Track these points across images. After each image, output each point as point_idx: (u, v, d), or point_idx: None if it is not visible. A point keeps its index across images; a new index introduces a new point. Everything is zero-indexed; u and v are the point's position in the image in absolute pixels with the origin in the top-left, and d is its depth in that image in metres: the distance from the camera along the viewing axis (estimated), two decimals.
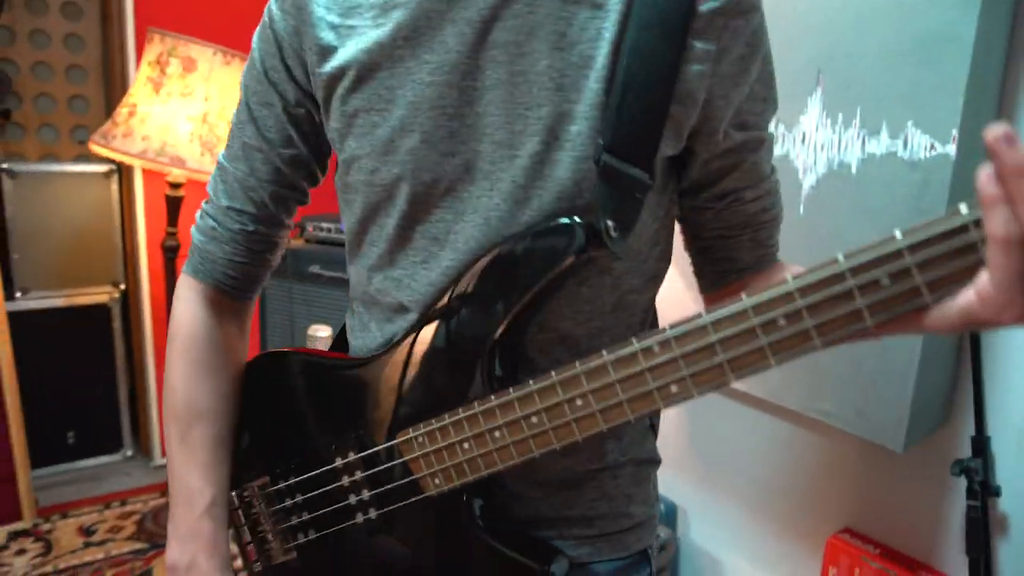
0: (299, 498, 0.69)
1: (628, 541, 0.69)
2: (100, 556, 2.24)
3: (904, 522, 1.36)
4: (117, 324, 2.66)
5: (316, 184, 0.77)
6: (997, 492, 1.19)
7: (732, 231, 0.68)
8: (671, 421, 1.81)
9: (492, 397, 0.57)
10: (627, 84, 0.56)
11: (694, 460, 1.77)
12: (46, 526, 2.38)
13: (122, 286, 2.69)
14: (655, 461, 0.74)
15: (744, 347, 0.48)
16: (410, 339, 0.64)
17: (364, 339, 0.71)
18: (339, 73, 0.63)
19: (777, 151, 1.32)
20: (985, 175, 0.40)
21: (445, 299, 0.62)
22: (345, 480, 0.66)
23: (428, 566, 0.64)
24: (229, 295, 0.76)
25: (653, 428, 0.74)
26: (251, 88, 0.71)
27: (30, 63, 2.56)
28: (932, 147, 1.10)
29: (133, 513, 2.49)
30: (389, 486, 0.63)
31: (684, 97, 0.58)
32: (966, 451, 1.23)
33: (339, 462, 0.66)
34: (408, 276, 0.65)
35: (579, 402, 0.54)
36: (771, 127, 0.66)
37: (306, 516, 0.69)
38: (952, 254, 0.42)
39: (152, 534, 2.36)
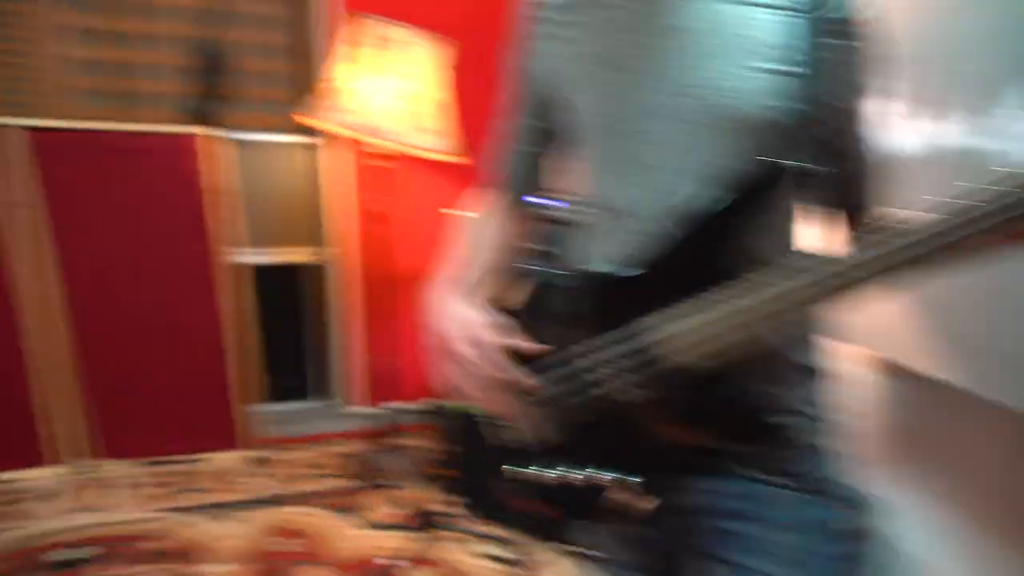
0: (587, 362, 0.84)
1: None
2: (320, 488, 2.53)
3: None
4: (327, 283, 2.93)
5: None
6: None
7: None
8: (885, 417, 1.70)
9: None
10: (815, 86, 0.75)
11: (906, 457, 1.66)
12: (271, 454, 2.73)
13: (323, 248, 2.96)
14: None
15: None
16: (662, 254, 0.78)
17: (592, 245, 0.89)
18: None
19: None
20: None
21: (691, 221, 0.76)
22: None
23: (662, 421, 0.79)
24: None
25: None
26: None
27: (249, 44, 2.82)
28: None
29: (350, 454, 2.77)
30: (639, 360, 0.78)
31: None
32: None
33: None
34: (620, 188, 0.83)
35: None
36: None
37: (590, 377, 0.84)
38: None
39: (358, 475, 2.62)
